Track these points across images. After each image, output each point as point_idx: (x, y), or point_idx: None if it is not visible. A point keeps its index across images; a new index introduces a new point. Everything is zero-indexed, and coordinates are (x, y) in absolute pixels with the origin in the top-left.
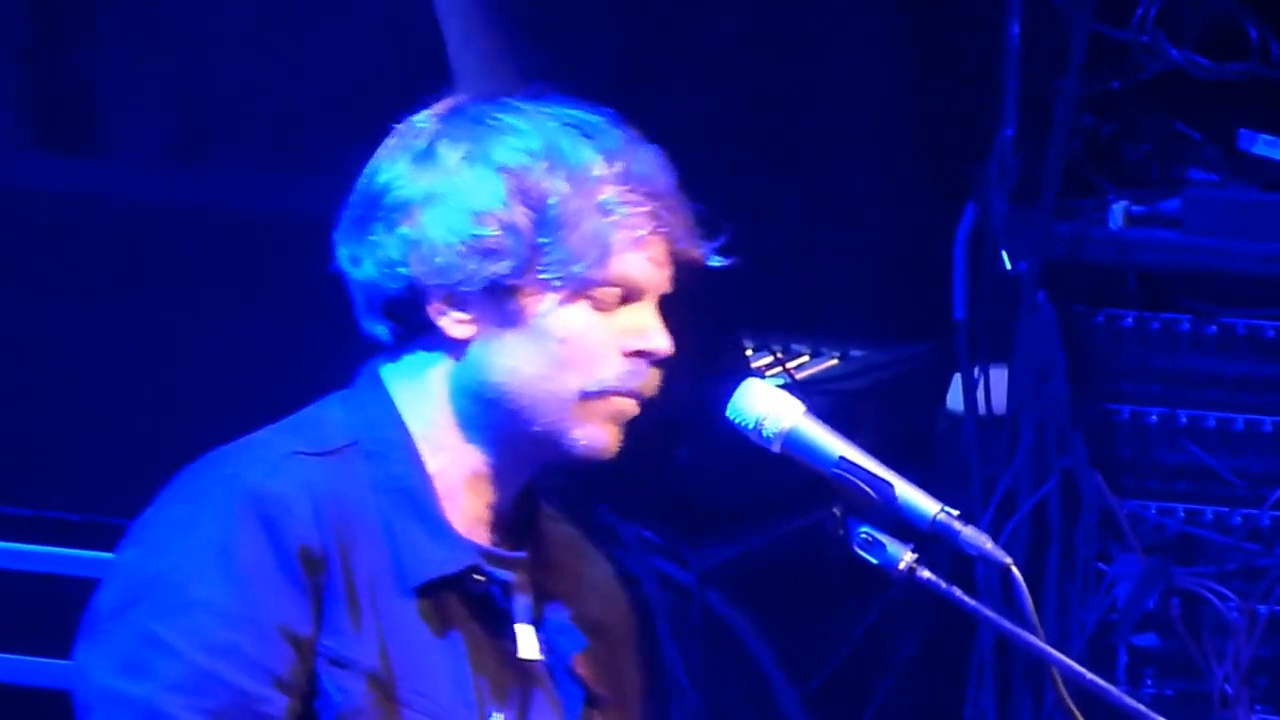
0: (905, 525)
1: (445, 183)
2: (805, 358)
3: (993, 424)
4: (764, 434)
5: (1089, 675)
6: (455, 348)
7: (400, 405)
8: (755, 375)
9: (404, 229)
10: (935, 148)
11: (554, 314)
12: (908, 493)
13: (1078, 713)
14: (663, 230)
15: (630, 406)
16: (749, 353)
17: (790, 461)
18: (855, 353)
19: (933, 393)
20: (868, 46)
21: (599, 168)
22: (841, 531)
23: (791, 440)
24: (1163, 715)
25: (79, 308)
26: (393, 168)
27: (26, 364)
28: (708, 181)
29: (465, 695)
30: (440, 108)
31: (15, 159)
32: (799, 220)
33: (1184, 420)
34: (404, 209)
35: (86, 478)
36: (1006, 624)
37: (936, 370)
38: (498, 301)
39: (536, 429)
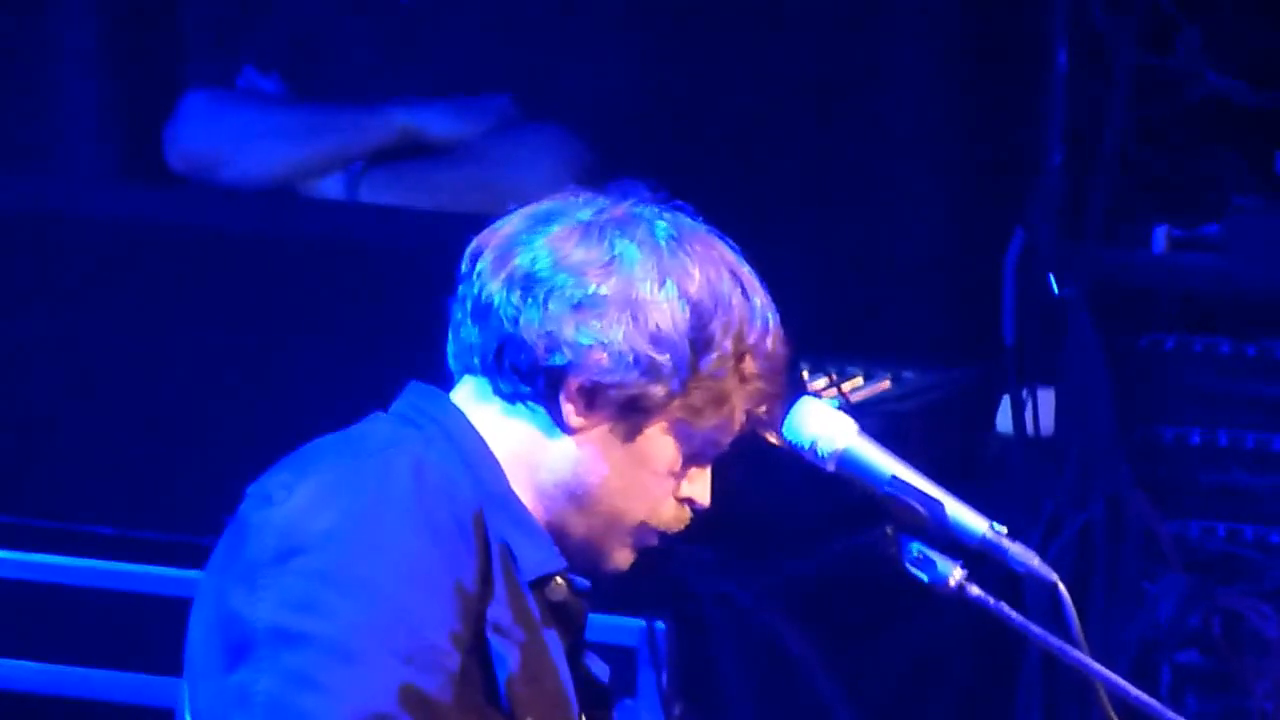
0: (955, 543)
1: (639, 296)
2: (859, 379)
3: (1040, 445)
4: (819, 453)
5: (1134, 691)
6: (562, 428)
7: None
8: (810, 395)
9: (590, 322)
10: (985, 174)
11: (658, 446)
12: (958, 511)
13: None
14: (767, 411)
15: (655, 543)
16: (804, 374)
17: (843, 480)
18: (907, 375)
19: (982, 415)
20: (917, 75)
21: (752, 334)
22: (894, 549)
23: (845, 460)
24: None
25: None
26: (585, 253)
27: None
28: (763, 207)
29: (569, 694)
30: (628, 209)
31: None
32: (852, 247)
33: (1225, 441)
34: (595, 303)
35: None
36: (1053, 640)
37: (986, 393)
38: (626, 415)
39: (589, 533)
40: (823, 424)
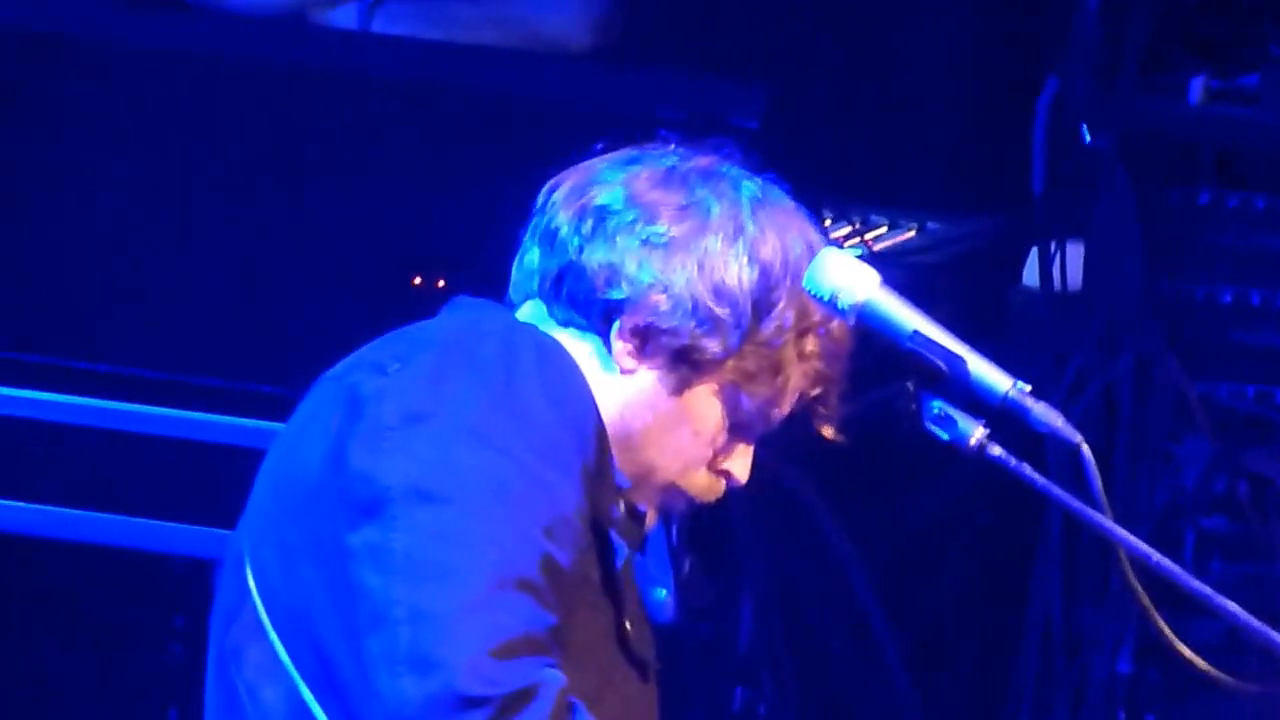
0: (977, 401)
1: (709, 246)
2: (883, 229)
3: (1067, 300)
4: (839, 306)
5: (1156, 556)
6: (613, 367)
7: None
8: (832, 246)
9: (654, 262)
10: (1018, 18)
11: (704, 406)
12: (981, 368)
13: (1143, 593)
14: (821, 399)
15: (683, 508)
16: (827, 223)
17: (863, 335)
18: (932, 225)
19: (1008, 267)
20: None
21: (819, 312)
22: (914, 406)
23: (866, 313)
24: (1228, 598)
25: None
26: (664, 195)
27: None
28: (789, 51)
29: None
30: (716, 163)
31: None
32: (879, 92)
33: (1257, 300)
34: (662, 244)
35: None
36: (1075, 503)
37: (1013, 244)
38: (677, 366)
39: (619, 469)
40: (844, 275)
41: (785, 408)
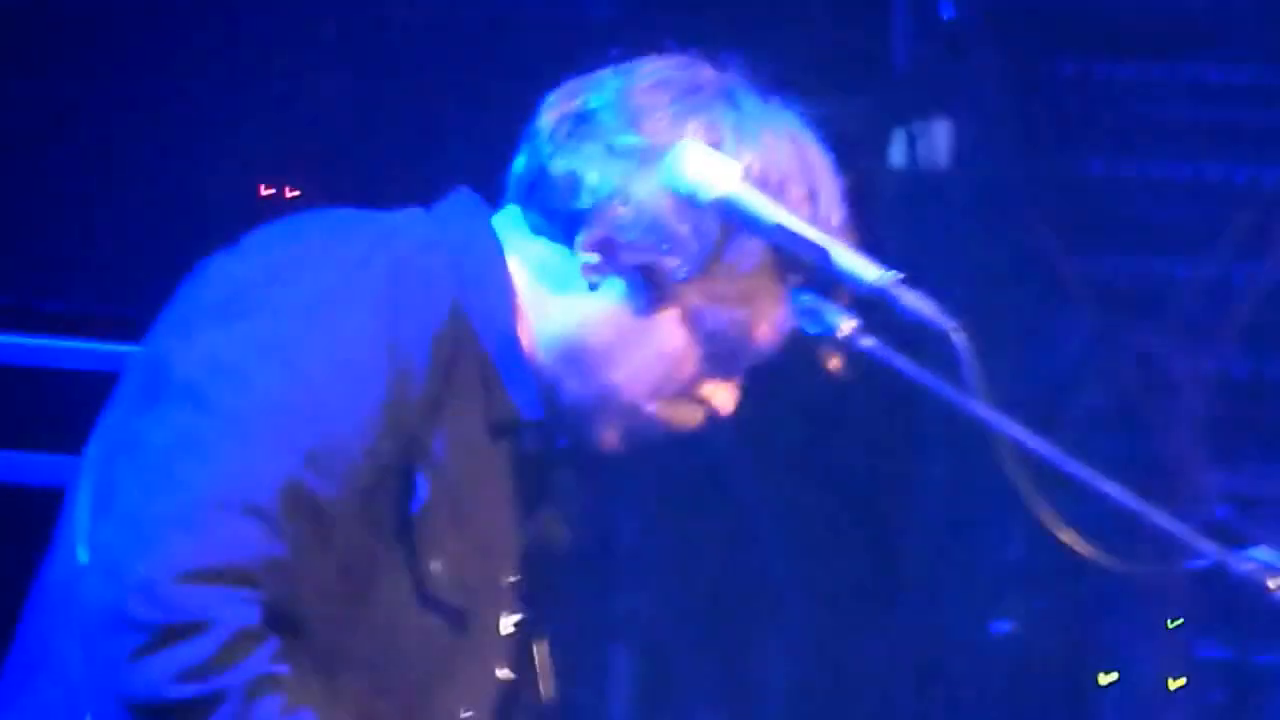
0: (848, 291)
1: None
2: None
3: (937, 181)
4: (699, 201)
5: (1033, 442)
6: (576, 280)
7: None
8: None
9: (616, 172)
10: None
11: (669, 329)
12: (846, 258)
13: (1023, 478)
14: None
15: (658, 436)
16: None
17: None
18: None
19: (873, 149)
20: None
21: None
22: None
23: (727, 207)
24: (1113, 479)
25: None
26: (651, 101)
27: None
28: None
29: (502, 546)
30: (724, 77)
31: None
32: None
33: (1133, 172)
34: (628, 153)
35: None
36: (950, 390)
37: (876, 124)
38: (641, 285)
39: (577, 403)
40: (703, 168)
41: (768, 339)
